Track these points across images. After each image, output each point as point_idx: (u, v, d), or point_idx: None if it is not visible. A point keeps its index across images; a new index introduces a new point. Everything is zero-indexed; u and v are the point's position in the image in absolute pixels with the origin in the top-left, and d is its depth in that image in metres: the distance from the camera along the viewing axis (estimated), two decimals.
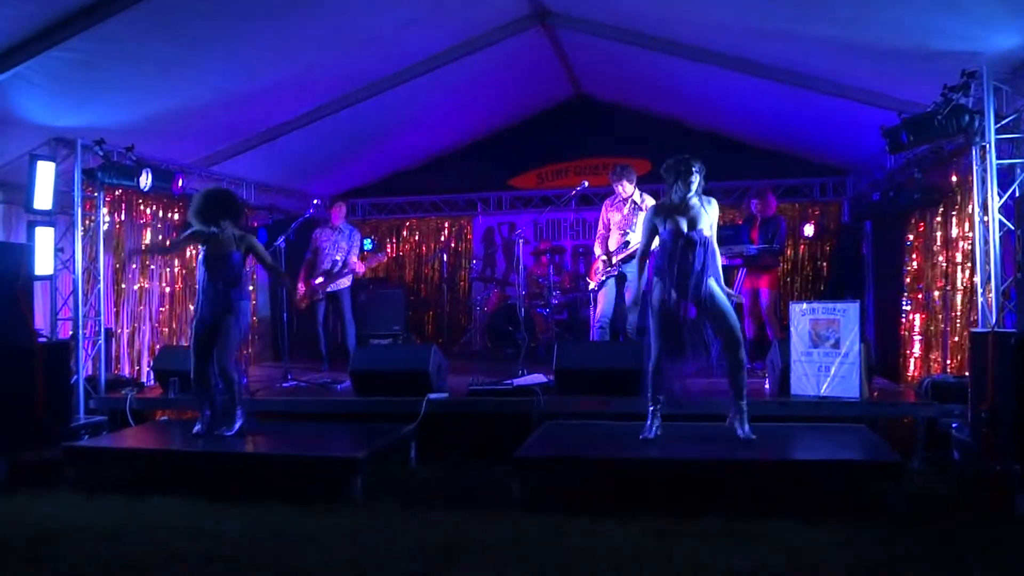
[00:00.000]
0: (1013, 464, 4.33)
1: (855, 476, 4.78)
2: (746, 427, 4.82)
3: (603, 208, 7.30)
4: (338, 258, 8.19)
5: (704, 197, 4.87)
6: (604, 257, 7.09)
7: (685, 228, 4.76)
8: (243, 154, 8.01)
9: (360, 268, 8.36)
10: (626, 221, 7.07)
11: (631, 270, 7.06)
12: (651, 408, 4.98)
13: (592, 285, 7.26)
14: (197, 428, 5.47)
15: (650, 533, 4.00)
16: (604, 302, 7.08)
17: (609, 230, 7.17)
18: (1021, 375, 4.39)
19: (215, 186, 6.43)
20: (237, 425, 5.36)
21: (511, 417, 5.78)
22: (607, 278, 7.06)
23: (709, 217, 4.81)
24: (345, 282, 8.29)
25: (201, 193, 5.56)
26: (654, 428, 4.93)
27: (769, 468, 4.62)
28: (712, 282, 4.77)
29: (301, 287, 8.32)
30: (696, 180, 4.79)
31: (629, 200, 7.10)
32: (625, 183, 7.07)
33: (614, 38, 7.07)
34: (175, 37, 5.44)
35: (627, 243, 7.02)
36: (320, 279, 8.19)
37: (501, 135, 10.32)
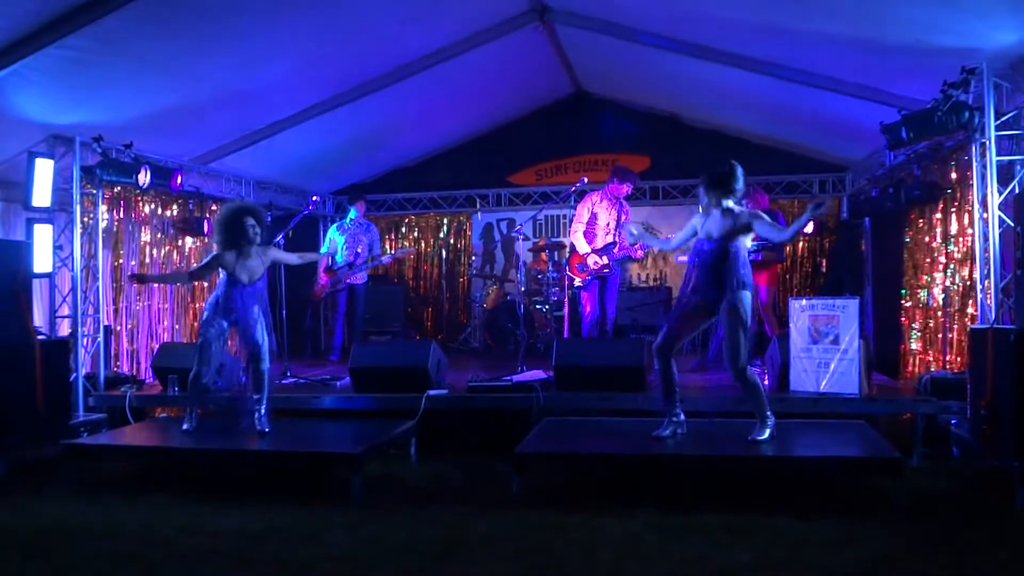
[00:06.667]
0: (1012, 460, 4.33)
1: (854, 472, 4.78)
2: (762, 433, 4.69)
3: (589, 202, 7.24)
4: (360, 250, 8.28)
5: (735, 209, 4.71)
6: (594, 255, 7.06)
7: (705, 236, 4.76)
8: (242, 151, 7.99)
9: (386, 259, 8.58)
10: (616, 222, 7.08)
11: (618, 269, 7.15)
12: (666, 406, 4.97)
13: (578, 282, 7.23)
14: (187, 426, 5.47)
15: (649, 528, 4.01)
16: (594, 300, 7.09)
17: (594, 226, 7.13)
18: (1020, 371, 4.38)
19: (237, 203, 6.28)
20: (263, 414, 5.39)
21: (511, 413, 5.78)
22: (595, 277, 7.05)
23: (732, 228, 4.65)
24: (363, 276, 8.44)
25: (229, 211, 5.41)
26: (669, 427, 4.90)
27: (768, 464, 4.62)
28: (733, 295, 4.60)
29: (323, 277, 8.40)
30: (706, 195, 4.76)
31: (619, 202, 7.12)
32: (631, 184, 7.14)
33: (613, 34, 7.06)
34: (173, 34, 5.43)
35: (614, 244, 7.03)
36: (343, 268, 8.36)
37: (500, 132, 10.30)
